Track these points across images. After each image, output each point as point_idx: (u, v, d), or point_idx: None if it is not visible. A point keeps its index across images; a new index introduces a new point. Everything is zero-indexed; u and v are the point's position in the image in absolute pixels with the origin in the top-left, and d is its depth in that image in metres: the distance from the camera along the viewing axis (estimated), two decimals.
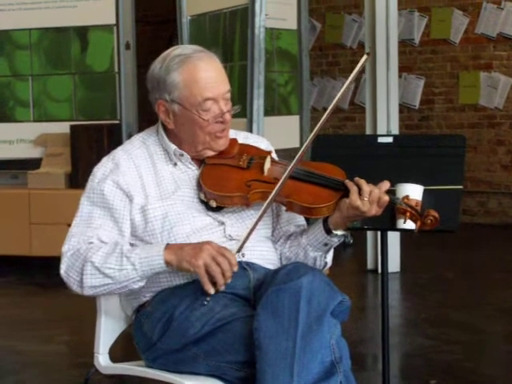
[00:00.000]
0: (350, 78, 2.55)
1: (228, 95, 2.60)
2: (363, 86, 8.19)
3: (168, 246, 2.46)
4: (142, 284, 2.49)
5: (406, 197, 2.62)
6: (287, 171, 2.51)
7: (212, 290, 2.41)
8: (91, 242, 2.52)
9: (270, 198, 2.49)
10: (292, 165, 2.52)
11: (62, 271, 2.51)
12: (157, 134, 2.68)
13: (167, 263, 2.44)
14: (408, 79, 9.04)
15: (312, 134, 2.58)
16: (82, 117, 7.09)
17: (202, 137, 2.60)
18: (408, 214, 2.58)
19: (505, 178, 8.68)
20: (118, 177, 2.58)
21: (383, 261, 3.16)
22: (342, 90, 2.55)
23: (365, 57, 2.57)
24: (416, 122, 9.11)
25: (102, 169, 2.61)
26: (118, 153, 2.65)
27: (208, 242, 2.45)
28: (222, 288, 2.42)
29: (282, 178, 2.51)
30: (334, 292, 2.39)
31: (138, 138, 2.71)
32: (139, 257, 2.45)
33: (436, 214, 2.57)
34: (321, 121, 2.54)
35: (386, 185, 2.56)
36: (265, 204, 2.49)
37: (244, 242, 2.48)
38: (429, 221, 2.57)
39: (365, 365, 4.34)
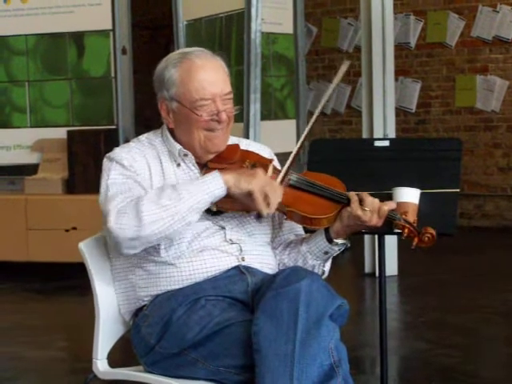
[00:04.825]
0: (332, 85, 2.62)
1: (228, 97, 2.60)
2: (359, 90, 8.19)
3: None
4: (198, 216, 2.46)
5: (405, 213, 2.64)
6: (291, 156, 2.56)
7: (266, 211, 2.45)
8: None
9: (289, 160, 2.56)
10: (295, 152, 2.57)
11: (111, 223, 2.42)
12: (162, 135, 2.69)
13: (225, 183, 2.45)
14: (404, 83, 9.05)
15: (303, 135, 2.63)
16: (78, 122, 7.09)
17: (197, 135, 2.60)
18: (406, 230, 2.62)
19: (501, 180, 8.69)
20: (136, 170, 2.58)
21: (381, 264, 3.16)
22: (326, 97, 2.67)
23: (346, 63, 2.65)
24: (413, 126, 9.11)
25: (123, 155, 2.60)
26: (133, 149, 2.64)
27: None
28: (272, 211, 2.47)
29: (289, 159, 2.56)
30: (333, 296, 2.39)
31: (144, 139, 2.70)
32: (194, 185, 2.46)
33: (433, 232, 2.60)
34: (308, 125, 2.59)
35: (391, 205, 2.61)
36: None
37: (285, 175, 2.54)
38: (426, 238, 2.61)
39: (363, 368, 4.34)
